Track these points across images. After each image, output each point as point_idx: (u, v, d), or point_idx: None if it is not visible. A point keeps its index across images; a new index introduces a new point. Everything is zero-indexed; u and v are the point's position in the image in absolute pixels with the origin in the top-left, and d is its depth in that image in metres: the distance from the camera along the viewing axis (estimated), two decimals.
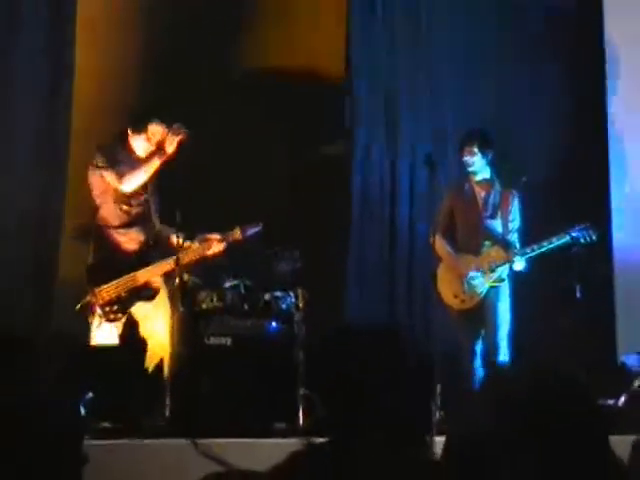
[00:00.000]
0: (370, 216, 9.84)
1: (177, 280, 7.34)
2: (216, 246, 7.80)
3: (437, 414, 7.34)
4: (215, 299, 7.82)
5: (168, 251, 7.72)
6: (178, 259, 7.36)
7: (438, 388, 7.56)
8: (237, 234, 7.81)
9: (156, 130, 7.78)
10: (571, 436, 2.92)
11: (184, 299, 7.44)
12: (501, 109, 9.99)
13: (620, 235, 9.38)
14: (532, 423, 2.91)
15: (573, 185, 9.62)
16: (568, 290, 8.48)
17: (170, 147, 7.61)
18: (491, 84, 10.08)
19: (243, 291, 7.90)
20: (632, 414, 7.59)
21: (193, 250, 7.73)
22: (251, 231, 7.84)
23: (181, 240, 7.54)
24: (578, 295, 8.37)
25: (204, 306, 7.77)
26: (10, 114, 8.70)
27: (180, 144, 7.60)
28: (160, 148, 7.61)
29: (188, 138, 7.67)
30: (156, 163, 7.60)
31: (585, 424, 3.00)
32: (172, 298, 7.48)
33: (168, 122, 7.80)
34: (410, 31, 10.03)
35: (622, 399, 7.91)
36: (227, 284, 7.89)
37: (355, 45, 9.88)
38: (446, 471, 3.46)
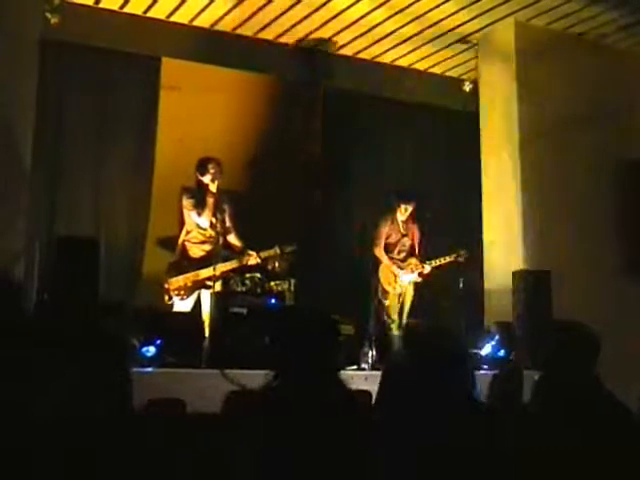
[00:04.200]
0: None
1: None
2: (253, 259, 7.80)
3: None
4: (239, 285, 7.92)
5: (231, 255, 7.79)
6: (215, 268, 7.41)
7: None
8: (277, 251, 7.81)
9: (213, 167, 7.70)
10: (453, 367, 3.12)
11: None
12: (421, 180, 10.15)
13: (488, 253, 9.42)
14: (432, 358, 3.09)
15: (461, 224, 9.86)
16: (455, 284, 8.70)
17: (213, 188, 7.63)
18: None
19: (257, 280, 7.98)
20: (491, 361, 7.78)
21: (237, 261, 7.76)
22: (289, 249, 7.87)
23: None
24: (461, 286, 8.61)
25: (232, 289, 7.86)
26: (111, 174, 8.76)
27: (218, 186, 7.64)
28: (210, 190, 7.60)
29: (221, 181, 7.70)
30: (210, 200, 7.60)
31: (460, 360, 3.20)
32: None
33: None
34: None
35: (485, 351, 8.01)
36: (246, 275, 7.97)
37: None
38: (382, 388, 3.63)
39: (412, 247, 8.88)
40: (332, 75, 9.92)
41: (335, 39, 9.59)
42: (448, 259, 8.79)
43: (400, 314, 8.78)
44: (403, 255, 8.83)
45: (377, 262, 8.86)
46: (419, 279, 8.79)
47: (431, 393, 3.05)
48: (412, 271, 8.76)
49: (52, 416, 2.65)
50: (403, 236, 8.84)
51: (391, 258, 8.79)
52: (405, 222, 8.84)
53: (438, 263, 8.79)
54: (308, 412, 2.95)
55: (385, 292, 8.78)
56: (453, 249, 8.81)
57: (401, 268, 8.75)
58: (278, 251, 7.81)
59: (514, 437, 3.22)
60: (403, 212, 8.77)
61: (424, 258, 8.81)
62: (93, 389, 2.73)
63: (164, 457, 2.91)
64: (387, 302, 8.75)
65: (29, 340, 3.17)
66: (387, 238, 8.85)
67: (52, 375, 2.74)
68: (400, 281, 8.75)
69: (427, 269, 8.76)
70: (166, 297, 7.69)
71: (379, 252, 8.82)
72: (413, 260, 8.78)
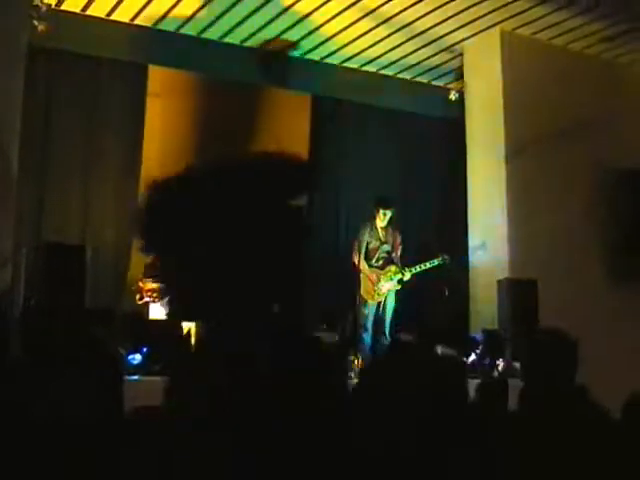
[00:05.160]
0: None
1: None
2: None
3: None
4: None
5: None
6: None
7: None
8: None
9: None
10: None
11: None
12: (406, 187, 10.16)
13: (473, 260, 9.45)
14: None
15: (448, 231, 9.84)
16: (440, 291, 8.69)
17: None
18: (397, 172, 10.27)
19: None
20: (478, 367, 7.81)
21: None
22: None
23: None
24: (446, 294, 8.60)
25: None
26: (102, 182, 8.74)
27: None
28: None
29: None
30: None
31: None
32: None
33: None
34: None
35: (471, 358, 8.04)
36: None
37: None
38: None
39: (391, 254, 8.78)
40: (318, 83, 9.92)
41: (322, 47, 9.61)
42: (429, 265, 8.69)
43: (380, 323, 8.61)
44: (382, 262, 8.73)
45: (357, 270, 8.72)
46: (398, 286, 8.67)
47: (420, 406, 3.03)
48: (391, 279, 8.65)
49: (40, 421, 2.65)
50: (382, 243, 8.75)
51: (370, 266, 8.68)
52: (384, 229, 8.76)
53: (418, 269, 8.69)
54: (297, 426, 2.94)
55: (364, 301, 8.64)
56: (434, 254, 8.74)
57: (380, 276, 8.64)
58: None
59: (500, 445, 3.19)
60: (382, 218, 8.69)
61: (404, 265, 8.73)
62: (83, 395, 2.73)
63: (149, 463, 2.91)
64: (365, 311, 8.58)
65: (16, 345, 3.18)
66: (367, 245, 8.74)
67: (41, 381, 2.74)
68: (378, 289, 8.62)
69: (407, 276, 8.65)
70: (137, 296, 7.67)
71: (358, 260, 8.70)
72: (392, 267, 8.67)
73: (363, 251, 8.71)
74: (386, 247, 8.77)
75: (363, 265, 8.69)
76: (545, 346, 3.59)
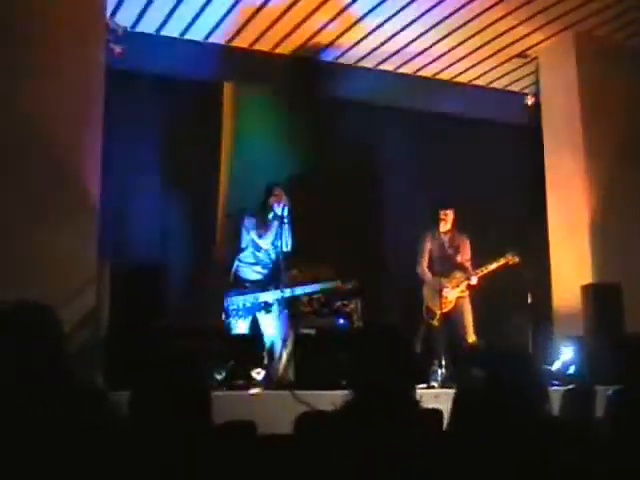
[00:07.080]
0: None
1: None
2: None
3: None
4: (307, 306, 7.92)
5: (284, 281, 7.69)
6: (283, 293, 7.43)
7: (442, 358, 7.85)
8: (338, 284, 7.76)
9: (278, 192, 7.69)
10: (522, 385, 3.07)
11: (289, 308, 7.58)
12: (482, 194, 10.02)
13: (556, 268, 9.32)
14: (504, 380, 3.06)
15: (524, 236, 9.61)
16: (522, 297, 8.37)
17: (279, 210, 7.61)
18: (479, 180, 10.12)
19: (323, 301, 7.97)
20: (562, 376, 7.67)
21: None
22: (350, 284, 7.85)
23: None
24: (529, 301, 8.36)
25: (300, 310, 7.87)
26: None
27: (282, 209, 7.64)
28: (275, 213, 7.61)
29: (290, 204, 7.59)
30: (274, 224, 7.60)
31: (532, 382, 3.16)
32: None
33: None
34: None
35: (555, 366, 7.93)
36: (313, 296, 7.96)
37: None
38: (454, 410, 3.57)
39: (456, 259, 8.45)
40: (388, 93, 9.89)
41: (396, 57, 9.62)
42: (496, 264, 8.31)
43: (456, 333, 8.30)
44: (447, 269, 8.39)
45: (421, 281, 8.49)
46: (466, 292, 8.31)
47: (503, 414, 3.01)
48: (457, 285, 8.28)
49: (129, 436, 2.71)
50: (447, 248, 8.47)
51: (434, 274, 8.38)
52: (447, 233, 8.51)
53: (485, 271, 8.32)
54: (382, 430, 2.96)
55: (430, 311, 8.31)
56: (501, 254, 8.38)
57: (445, 284, 8.24)
58: (340, 284, 7.80)
59: (586, 454, 3.16)
60: (444, 220, 8.44)
61: (472, 269, 8.38)
62: (171, 407, 2.77)
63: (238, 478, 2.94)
64: (434, 322, 8.23)
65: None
66: (430, 253, 8.49)
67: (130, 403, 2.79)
68: (444, 298, 8.20)
69: (474, 280, 8.28)
70: (223, 315, 7.72)
71: (421, 270, 8.44)
72: (457, 273, 8.33)
73: (425, 259, 8.50)
74: (451, 252, 8.46)
75: (426, 274, 8.46)
76: None
